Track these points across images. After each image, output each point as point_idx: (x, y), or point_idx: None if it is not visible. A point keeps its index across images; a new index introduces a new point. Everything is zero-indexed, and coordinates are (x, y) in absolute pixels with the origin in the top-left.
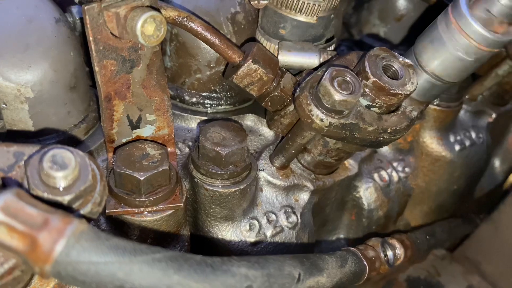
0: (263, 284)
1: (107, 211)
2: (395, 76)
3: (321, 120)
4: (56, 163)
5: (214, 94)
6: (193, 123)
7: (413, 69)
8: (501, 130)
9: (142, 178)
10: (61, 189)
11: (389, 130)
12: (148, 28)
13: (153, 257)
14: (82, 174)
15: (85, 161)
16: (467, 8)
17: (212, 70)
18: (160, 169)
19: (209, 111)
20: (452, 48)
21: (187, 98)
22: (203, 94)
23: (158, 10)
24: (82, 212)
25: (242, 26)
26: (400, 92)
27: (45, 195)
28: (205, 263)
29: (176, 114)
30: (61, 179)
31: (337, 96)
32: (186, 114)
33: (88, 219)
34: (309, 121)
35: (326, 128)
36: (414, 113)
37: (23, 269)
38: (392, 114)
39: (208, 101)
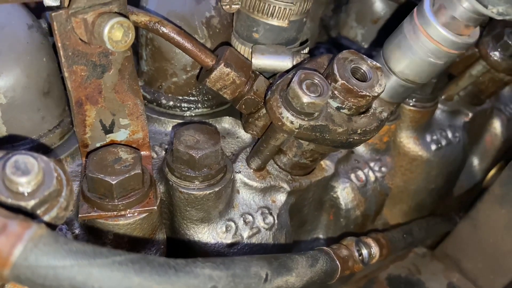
0: (228, 284)
1: (80, 215)
2: (363, 78)
3: (291, 122)
4: (19, 168)
5: (191, 98)
6: (170, 126)
7: (381, 71)
8: (478, 129)
9: (114, 182)
10: (25, 194)
11: (359, 131)
12: (115, 34)
13: (113, 260)
14: (47, 179)
15: (49, 166)
16: (432, 13)
17: (188, 73)
18: (133, 173)
19: (186, 115)
20: (418, 51)
21: (164, 101)
22: (180, 97)
23: (125, 16)
24: (48, 216)
25: (217, 30)
26: (368, 94)
27: (9, 200)
28: (168, 264)
29: (153, 118)
30: (24, 184)
31: (305, 99)
32: (163, 118)
33: (54, 225)
34: (280, 123)
35: (297, 130)
36: (384, 114)
37: None
38: (362, 115)
39: (185, 105)
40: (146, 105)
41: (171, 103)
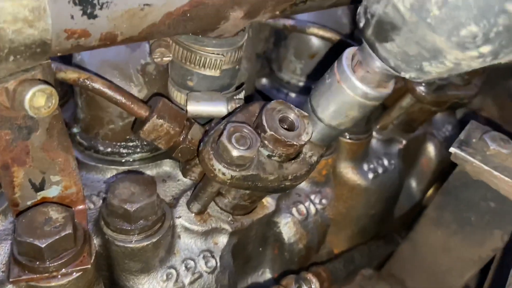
0: None
1: (10, 279)
2: (291, 127)
3: (223, 174)
4: None
5: (129, 143)
6: (109, 173)
7: (308, 119)
8: (414, 153)
9: (43, 246)
10: None
11: (289, 177)
12: (38, 101)
13: None
14: None
15: None
16: (350, 70)
17: (124, 120)
18: (63, 234)
19: (125, 160)
20: (340, 102)
21: (101, 148)
22: (118, 143)
23: (47, 82)
24: None
25: (153, 77)
26: (295, 143)
27: None
28: None
29: (91, 166)
30: None
31: (235, 152)
32: (101, 165)
33: None
34: (212, 175)
35: (229, 180)
36: (314, 158)
37: None
38: (293, 161)
39: (124, 150)
40: (83, 152)
41: (109, 149)
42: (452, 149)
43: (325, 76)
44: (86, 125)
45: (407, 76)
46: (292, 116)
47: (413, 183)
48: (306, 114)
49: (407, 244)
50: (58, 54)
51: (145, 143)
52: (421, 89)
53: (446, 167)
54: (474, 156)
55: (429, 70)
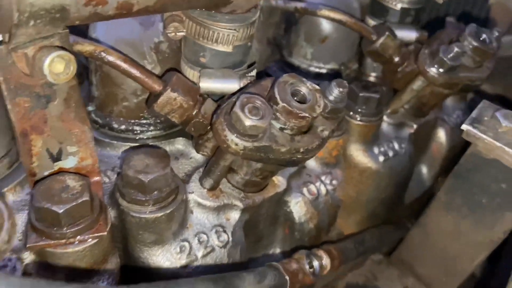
0: None
1: (28, 245)
2: (303, 100)
3: (236, 144)
4: None
5: (143, 121)
6: (122, 150)
7: (320, 92)
8: (424, 139)
9: (61, 211)
10: None
11: (301, 150)
12: (57, 67)
13: None
14: None
15: None
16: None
17: (138, 98)
18: (80, 201)
19: (138, 138)
20: None
21: (115, 126)
22: (132, 121)
23: (66, 49)
24: None
25: (166, 55)
26: (307, 115)
27: None
28: None
29: (105, 142)
30: None
31: (248, 122)
32: (115, 142)
33: None
34: (225, 145)
35: (242, 151)
36: (326, 133)
37: None
38: (305, 134)
39: (138, 128)
40: (98, 129)
41: (123, 127)
42: (464, 126)
43: None
44: (101, 103)
45: None
46: (304, 89)
47: (424, 169)
48: (318, 87)
49: (417, 229)
50: (76, 22)
51: (158, 121)
52: (432, 70)
53: (456, 154)
54: (486, 133)
55: None
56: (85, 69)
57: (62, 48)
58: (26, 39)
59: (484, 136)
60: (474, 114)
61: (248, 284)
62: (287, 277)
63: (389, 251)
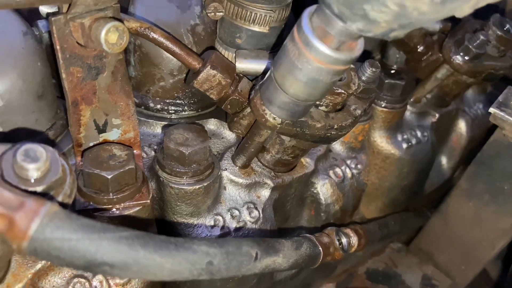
0: (223, 261)
1: (76, 208)
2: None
3: (274, 118)
4: (29, 156)
5: (177, 101)
6: (158, 128)
7: (354, 71)
8: (445, 129)
9: (109, 177)
10: (32, 181)
11: (335, 127)
12: (111, 37)
13: (120, 235)
14: (53, 167)
15: (55, 155)
16: (313, 35)
17: (175, 78)
18: (127, 168)
19: (173, 117)
20: (306, 73)
21: (151, 105)
22: (167, 101)
23: (120, 20)
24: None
25: (202, 37)
26: (343, 91)
27: (20, 186)
28: (169, 241)
29: (141, 121)
30: (33, 170)
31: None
32: (151, 120)
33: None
34: (263, 119)
35: (279, 125)
36: (358, 111)
37: (1, 253)
38: (338, 112)
39: (172, 108)
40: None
41: (158, 106)
42: (491, 109)
43: (285, 46)
44: (138, 83)
45: (354, 27)
46: None
47: (443, 160)
48: (352, 66)
49: (437, 217)
50: None
51: (192, 101)
52: (458, 58)
53: (476, 145)
54: None
55: (374, 17)
56: (123, 51)
57: (116, 19)
58: (84, 9)
59: None
60: (501, 98)
61: (287, 249)
62: (320, 249)
63: (408, 240)
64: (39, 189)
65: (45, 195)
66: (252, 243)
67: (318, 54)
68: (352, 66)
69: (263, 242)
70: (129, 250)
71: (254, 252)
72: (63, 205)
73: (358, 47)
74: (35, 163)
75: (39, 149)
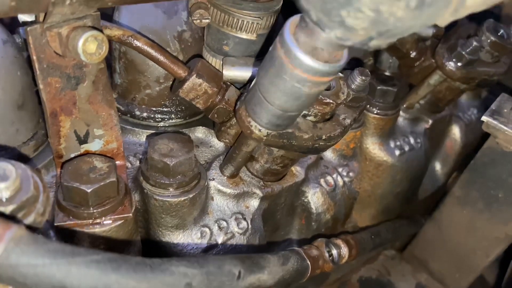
0: (202, 282)
1: (55, 223)
2: (327, 87)
3: (259, 130)
4: None
5: (164, 109)
6: (144, 137)
7: (344, 80)
8: (439, 135)
9: (89, 191)
10: (4, 199)
11: (323, 137)
12: (90, 46)
13: (91, 259)
14: (24, 185)
15: (26, 173)
16: (295, 45)
17: (161, 85)
18: (108, 181)
19: (160, 125)
20: (290, 86)
21: (137, 113)
22: (154, 108)
23: (99, 29)
24: (26, 222)
25: (189, 44)
26: (331, 101)
27: None
28: (144, 263)
29: (127, 129)
30: (2, 190)
31: None
32: (137, 129)
33: (33, 229)
34: (249, 131)
35: (265, 137)
36: (348, 121)
37: None
38: (327, 122)
39: (159, 116)
40: (120, 116)
41: (145, 114)
42: (484, 118)
43: (270, 58)
44: (124, 90)
45: (333, 35)
46: None
47: (437, 166)
48: (341, 75)
49: (431, 224)
50: (109, 4)
51: (179, 109)
52: (450, 64)
53: (470, 151)
54: (506, 124)
55: (351, 24)
56: (105, 60)
57: (95, 28)
58: (60, 18)
59: (505, 128)
60: (493, 106)
61: (273, 265)
62: (308, 262)
63: (401, 247)
64: (9, 208)
65: (14, 217)
66: (235, 260)
67: (300, 65)
68: (341, 74)
69: (247, 259)
70: (100, 275)
71: (237, 271)
72: (35, 225)
73: (343, 58)
74: (4, 182)
75: (9, 167)
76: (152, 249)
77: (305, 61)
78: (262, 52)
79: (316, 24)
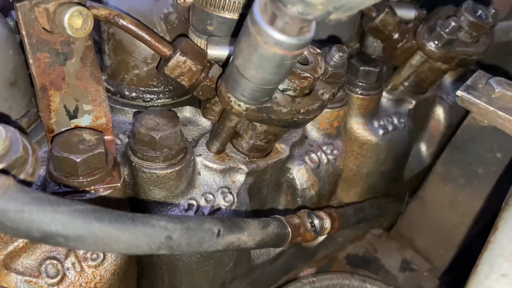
0: (183, 236)
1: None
2: (305, 62)
3: (239, 105)
4: None
5: (152, 89)
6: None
7: (322, 56)
8: (423, 116)
9: (78, 160)
10: None
11: (302, 111)
12: (75, 21)
13: (75, 208)
14: (13, 146)
15: (16, 135)
16: (263, 20)
17: (149, 66)
18: (96, 152)
19: (148, 105)
20: (264, 60)
21: (127, 93)
22: (142, 89)
23: (84, 5)
24: None
25: (175, 25)
26: (309, 75)
27: None
28: (126, 216)
29: (117, 109)
30: None
31: None
32: (126, 109)
33: None
34: (229, 107)
35: (244, 112)
36: (326, 96)
37: None
38: (306, 96)
39: (148, 95)
40: (110, 97)
41: (133, 94)
42: (459, 92)
43: (241, 37)
44: (113, 71)
45: (294, 10)
46: (305, 52)
47: (423, 147)
48: (320, 51)
49: (415, 202)
50: None
51: (167, 89)
52: (430, 44)
53: (454, 132)
54: (479, 98)
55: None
56: (96, 44)
57: (80, 4)
58: None
59: (478, 101)
60: (469, 82)
61: (253, 228)
62: (289, 229)
63: (389, 226)
64: (0, 166)
65: (6, 173)
66: (215, 220)
67: (269, 39)
68: (318, 50)
69: (227, 220)
70: (83, 223)
71: (217, 229)
72: (25, 183)
73: (311, 30)
74: None
75: None
76: None
77: (275, 36)
78: None
79: (279, 1)
